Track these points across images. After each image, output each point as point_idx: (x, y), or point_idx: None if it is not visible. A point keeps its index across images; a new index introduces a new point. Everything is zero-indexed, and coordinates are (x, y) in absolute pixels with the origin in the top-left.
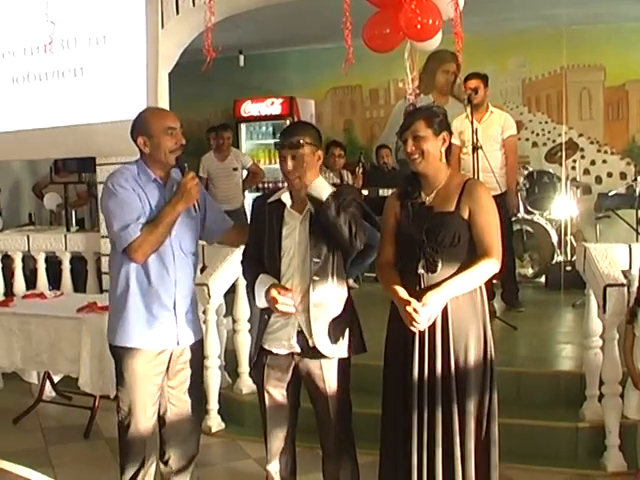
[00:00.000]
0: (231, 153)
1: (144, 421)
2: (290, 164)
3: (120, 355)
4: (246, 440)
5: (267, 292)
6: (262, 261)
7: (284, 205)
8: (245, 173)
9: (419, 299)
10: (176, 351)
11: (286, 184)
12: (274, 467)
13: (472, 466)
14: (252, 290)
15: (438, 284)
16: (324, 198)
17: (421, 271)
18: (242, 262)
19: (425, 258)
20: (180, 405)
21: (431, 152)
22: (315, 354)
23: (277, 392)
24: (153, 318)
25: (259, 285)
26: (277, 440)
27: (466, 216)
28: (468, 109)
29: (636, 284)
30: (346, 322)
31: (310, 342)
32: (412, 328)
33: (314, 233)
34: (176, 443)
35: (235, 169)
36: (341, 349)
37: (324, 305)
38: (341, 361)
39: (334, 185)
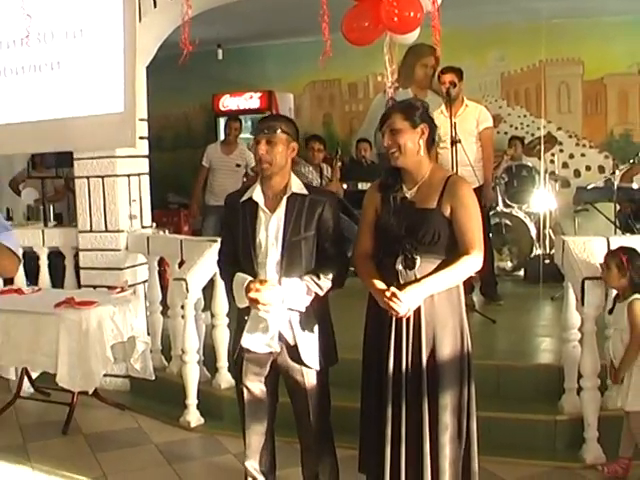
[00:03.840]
0: (238, 148)
1: None
2: (264, 148)
3: None
4: (225, 435)
5: (246, 291)
6: (238, 260)
7: (257, 203)
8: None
9: None
10: None
11: (257, 183)
12: (252, 464)
13: (446, 459)
14: (230, 290)
15: (419, 279)
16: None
17: (399, 267)
18: (218, 262)
19: (404, 254)
20: None
21: (408, 146)
22: (295, 352)
23: (255, 387)
24: None
25: (236, 286)
26: (256, 435)
27: (447, 213)
28: (443, 105)
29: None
30: (322, 329)
31: (291, 341)
32: (392, 312)
33: (288, 228)
34: None
35: (238, 165)
36: (316, 358)
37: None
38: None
39: (307, 186)
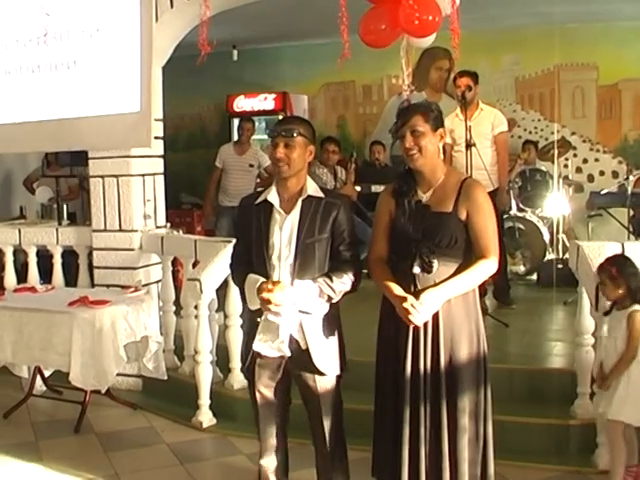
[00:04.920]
0: (250, 148)
1: None
2: (282, 151)
3: None
4: (237, 436)
5: (258, 291)
6: (250, 262)
7: (272, 205)
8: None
9: (415, 298)
10: None
11: (273, 185)
12: (267, 462)
13: (465, 462)
14: (242, 293)
15: (436, 284)
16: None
17: (417, 270)
18: (230, 265)
19: (421, 258)
20: None
21: (429, 148)
22: (306, 357)
23: (268, 391)
24: None
25: (248, 287)
26: (270, 437)
27: (463, 217)
28: (459, 107)
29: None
30: (333, 334)
31: (302, 345)
32: (409, 321)
33: (302, 230)
34: None
35: (251, 165)
36: (328, 363)
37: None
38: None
39: (323, 189)
